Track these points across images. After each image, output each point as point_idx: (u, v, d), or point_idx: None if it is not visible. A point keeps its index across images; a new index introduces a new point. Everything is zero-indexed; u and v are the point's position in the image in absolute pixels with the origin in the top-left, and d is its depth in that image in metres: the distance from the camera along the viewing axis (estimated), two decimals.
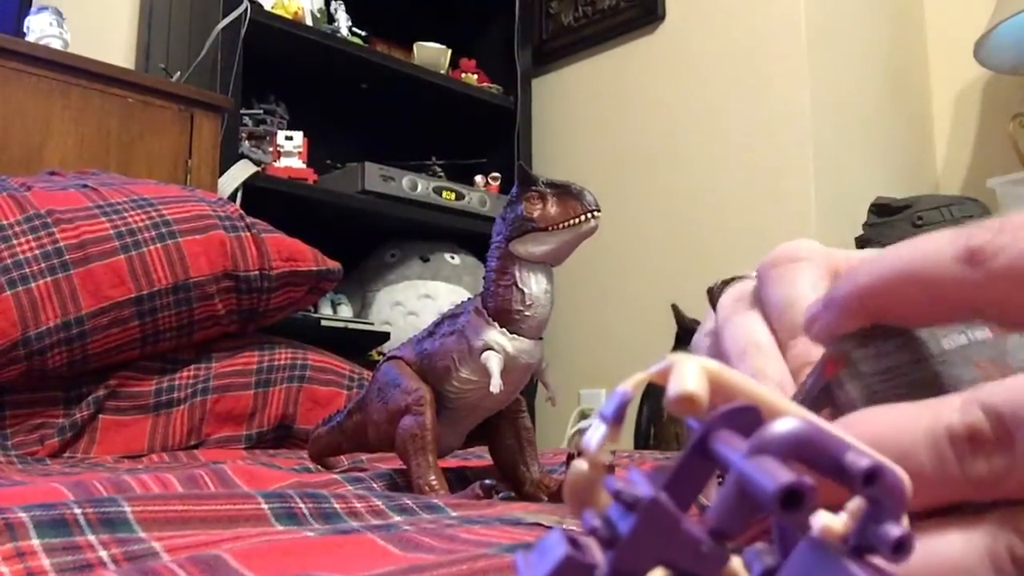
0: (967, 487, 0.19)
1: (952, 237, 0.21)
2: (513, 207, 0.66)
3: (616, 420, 0.18)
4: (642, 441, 1.75)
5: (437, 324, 0.72)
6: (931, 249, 0.22)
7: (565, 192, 0.64)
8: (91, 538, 0.39)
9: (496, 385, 0.64)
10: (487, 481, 0.64)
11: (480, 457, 0.95)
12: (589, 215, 0.64)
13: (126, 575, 0.33)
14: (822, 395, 0.24)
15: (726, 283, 0.32)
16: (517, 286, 0.66)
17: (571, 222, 0.64)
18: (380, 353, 2.08)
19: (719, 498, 0.16)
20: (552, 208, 0.64)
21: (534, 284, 0.66)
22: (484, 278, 0.68)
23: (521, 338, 0.66)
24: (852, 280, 0.23)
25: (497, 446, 0.74)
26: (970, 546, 0.19)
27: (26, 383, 1.15)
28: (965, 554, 0.19)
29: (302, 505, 0.48)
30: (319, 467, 0.87)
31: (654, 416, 1.74)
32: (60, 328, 1.12)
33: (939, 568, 0.19)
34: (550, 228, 0.64)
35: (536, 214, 0.64)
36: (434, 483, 0.65)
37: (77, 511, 0.41)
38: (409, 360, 0.72)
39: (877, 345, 0.23)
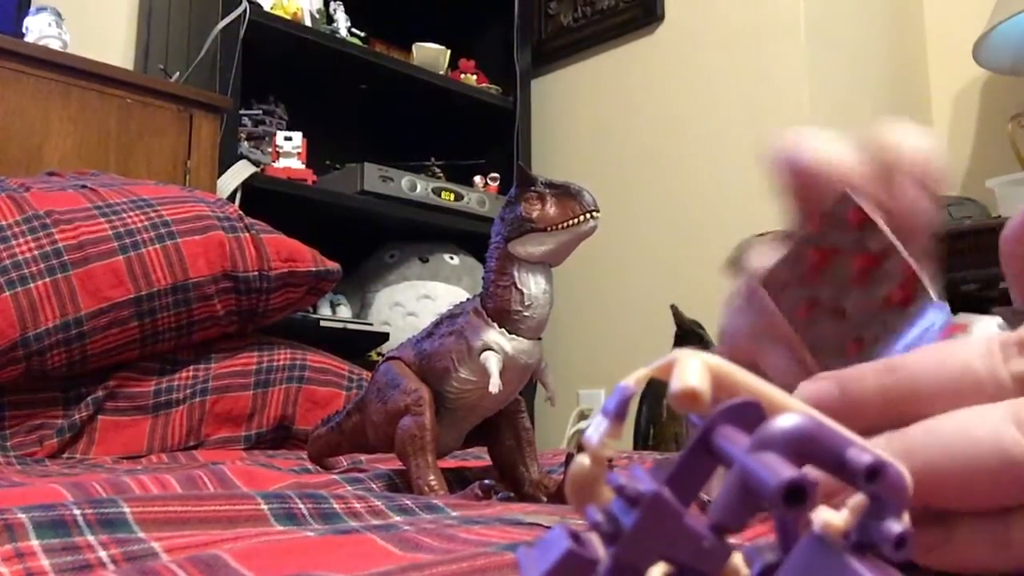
0: (1016, 387, 0.21)
1: None
2: (512, 208, 0.66)
3: (618, 415, 0.18)
4: (641, 442, 1.75)
5: (436, 325, 0.72)
6: None
7: (564, 192, 0.64)
8: (90, 538, 0.39)
9: (495, 385, 0.64)
10: (486, 481, 0.64)
11: (479, 458, 0.95)
12: (588, 215, 0.64)
13: (125, 575, 0.33)
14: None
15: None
16: (516, 286, 0.66)
17: (570, 222, 0.64)
18: (379, 354, 2.08)
19: (721, 494, 0.16)
20: (551, 208, 0.64)
21: (533, 284, 0.66)
22: (483, 279, 0.68)
23: (520, 338, 0.66)
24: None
25: (496, 446, 0.74)
26: (993, 409, 0.21)
27: (25, 384, 1.15)
28: (986, 412, 0.21)
29: (301, 505, 0.48)
30: (318, 468, 0.86)
31: (653, 416, 1.73)
32: (59, 329, 1.12)
33: (962, 424, 0.21)
34: (549, 228, 0.64)
35: (535, 214, 0.64)
36: (433, 483, 0.65)
37: (76, 512, 0.40)
38: (408, 361, 0.72)
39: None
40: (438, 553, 0.37)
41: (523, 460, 0.72)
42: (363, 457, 0.98)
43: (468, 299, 0.71)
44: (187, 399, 1.22)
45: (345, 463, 0.94)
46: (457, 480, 0.74)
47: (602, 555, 0.16)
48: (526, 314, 0.66)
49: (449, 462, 0.84)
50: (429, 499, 0.57)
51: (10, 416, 1.13)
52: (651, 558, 0.16)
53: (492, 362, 0.65)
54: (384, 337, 2.05)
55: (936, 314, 0.25)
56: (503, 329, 0.66)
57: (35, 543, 0.38)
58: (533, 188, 0.65)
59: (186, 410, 1.21)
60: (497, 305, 0.66)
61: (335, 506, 0.50)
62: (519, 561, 0.17)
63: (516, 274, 0.66)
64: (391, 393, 0.70)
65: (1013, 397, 0.21)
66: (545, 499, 0.69)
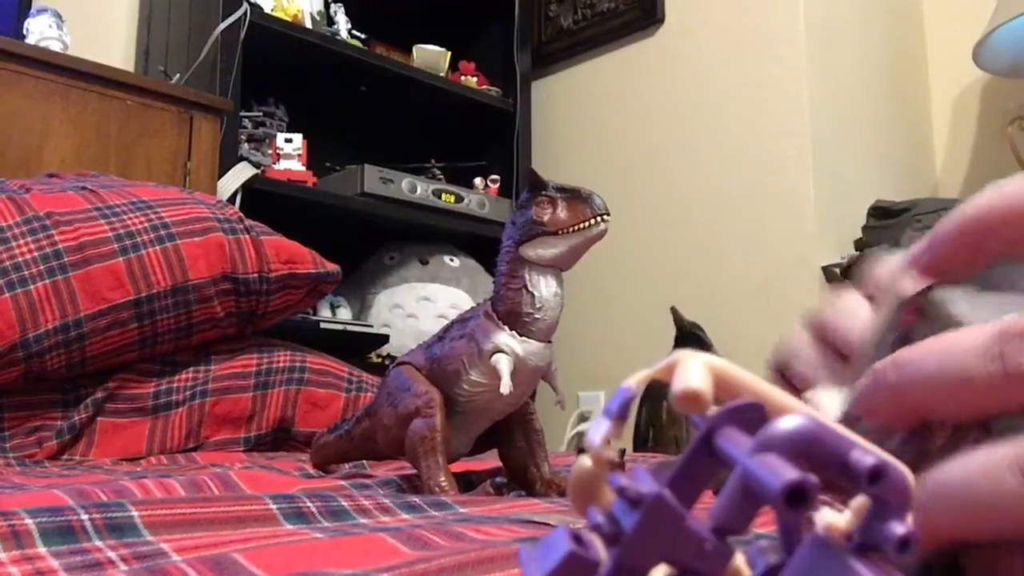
0: (1012, 384, 0.20)
1: None
2: (523, 211, 0.66)
3: (620, 416, 0.18)
4: (641, 444, 1.75)
5: (446, 329, 0.72)
6: None
7: (575, 196, 0.65)
8: (99, 543, 0.39)
9: (506, 386, 0.65)
10: (497, 479, 0.64)
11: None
12: (599, 219, 0.64)
13: (136, 574, 0.33)
14: (900, 341, 0.24)
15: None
16: (527, 289, 0.66)
17: (580, 226, 0.64)
18: (379, 356, 2.08)
19: (723, 495, 0.16)
20: (562, 212, 0.65)
21: (544, 287, 0.66)
22: (494, 282, 0.69)
23: (531, 341, 0.67)
24: (959, 213, 0.24)
25: (507, 449, 0.74)
26: (994, 454, 0.20)
27: (25, 385, 1.15)
28: (988, 460, 0.20)
29: (310, 504, 0.49)
30: (320, 472, 0.86)
31: (653, 419, 1.74)
32: (59, 330, 1.12)
33: (964, 475, 0.20)
34: (560, 232, 0.65)
35: (546, 218, 0.65)
36: (444, 484, 0.65)
37: (84, 517, 0.41)
38: (419, 365, 0.72)
39: (965, 289, 0.24)
40: (446, 551, 0.37)
41: (535, 461, 0.72)
42: (367, 463, 0.97)
43: (479, 303, 0.71)
44: (186, 401, 1.22)
45: (347, 467, 0.94)
46: (466, 483, 0.74)
47: (604, 557, 0.16)
48: (537, 316, 0.66)
49: (457, 466, 0.84)
50: (438, 497, 0.57)
51: (9, 418, 1.13)
52: (653, 560, 0.16)
53: (503, 364, 0.66)
54: (384, 339, 2.05)
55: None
56: (514, 332, 0.66)
57: (43, 550, 0.38)
58: (544, 192, 0.65)
59: (185, 412, 1.21)
60: (508, 308, 0.66)
61: (344, 504, 0.50)
62: (521, 561, 0.17)
63: (527, 277, 0.66)
64: (402, 396, 0.70)
65: (1008, 397, 0.20)
66: (557, 497, 0.69)
